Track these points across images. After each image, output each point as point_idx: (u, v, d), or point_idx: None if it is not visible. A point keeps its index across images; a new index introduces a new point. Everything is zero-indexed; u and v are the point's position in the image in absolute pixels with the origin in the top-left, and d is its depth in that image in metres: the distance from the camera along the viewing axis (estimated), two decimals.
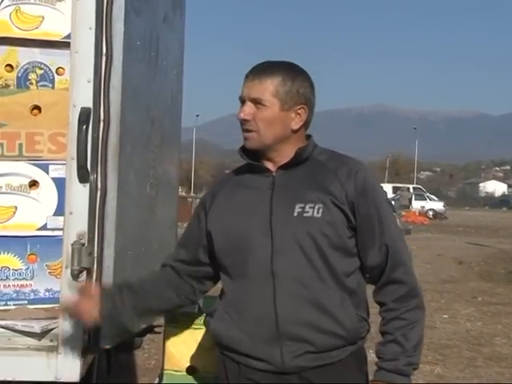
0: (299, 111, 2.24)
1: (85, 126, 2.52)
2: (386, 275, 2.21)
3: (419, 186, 54.77)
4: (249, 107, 2.22)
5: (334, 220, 2.17)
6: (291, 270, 2.15)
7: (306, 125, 2.28)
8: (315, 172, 2.24)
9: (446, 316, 9.01)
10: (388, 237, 2.21)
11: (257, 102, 2.21)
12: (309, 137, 2.32)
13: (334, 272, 2.18)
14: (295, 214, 2.17)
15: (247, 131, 2.24)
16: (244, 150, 2.29)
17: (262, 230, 2.19)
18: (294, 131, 2.25)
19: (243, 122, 2.23)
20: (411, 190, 46.62)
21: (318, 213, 2.16)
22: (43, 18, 2.85)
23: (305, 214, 2.16)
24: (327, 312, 2.15)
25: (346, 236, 2.19)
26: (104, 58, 2.58)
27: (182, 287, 2.42)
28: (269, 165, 2.27)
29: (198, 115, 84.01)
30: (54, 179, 2.81)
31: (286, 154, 2.25)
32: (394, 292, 2.21)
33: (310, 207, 2.17)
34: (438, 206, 45.86)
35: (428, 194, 49.43)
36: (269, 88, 2.20)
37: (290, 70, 2.25)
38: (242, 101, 2.24)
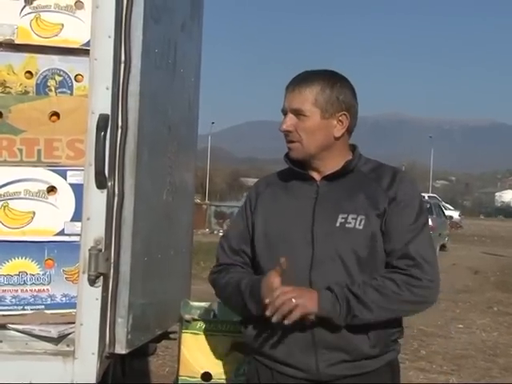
0: (341, 118, 2.24)
1: (103, 133, 2.53)
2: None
3: (434, 195, 54.45)
4: (290, 119, 2.23)
5: (376, 232, 2.16)
6: (329, 280, 2.14)
7: (348, 131, 2.28)
8: (359, 183, 2.24)
9: (461, 326, 8.95)
10: (418, 246, 2.17)
11: (298, 113, 2.22)
12: (354, 147, 2.32)
13: None
14: (337, 225, 2.17)
15: (291, 142, 2.25)
16: (289, 158, 2.30)
17: (304, 239, 2.19)
18: (337, 138, 2.25)
19: (286, 133, 2.25)
20: (426, 199, 46.34)
21: (359, 224, 2.16)
22: (63, 25, 2.88)
23: (347, 225, 2.16)
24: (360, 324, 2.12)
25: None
26: (122, 65, 2.60)
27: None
28: (314, 174, 2.27)
29: (213, 122, 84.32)
30: (71, 185, 2.83)
31: (331, 163, 2.25)
32: (402, 274, 2.14)
33: (352, 218, 2.17)
34: (454, 215, 45.58)
35: (443, 203, 49.15)
36: (308, 98, 2.21)
37: (328, 78, 2.25)
38: (284, 113, 2.26)
